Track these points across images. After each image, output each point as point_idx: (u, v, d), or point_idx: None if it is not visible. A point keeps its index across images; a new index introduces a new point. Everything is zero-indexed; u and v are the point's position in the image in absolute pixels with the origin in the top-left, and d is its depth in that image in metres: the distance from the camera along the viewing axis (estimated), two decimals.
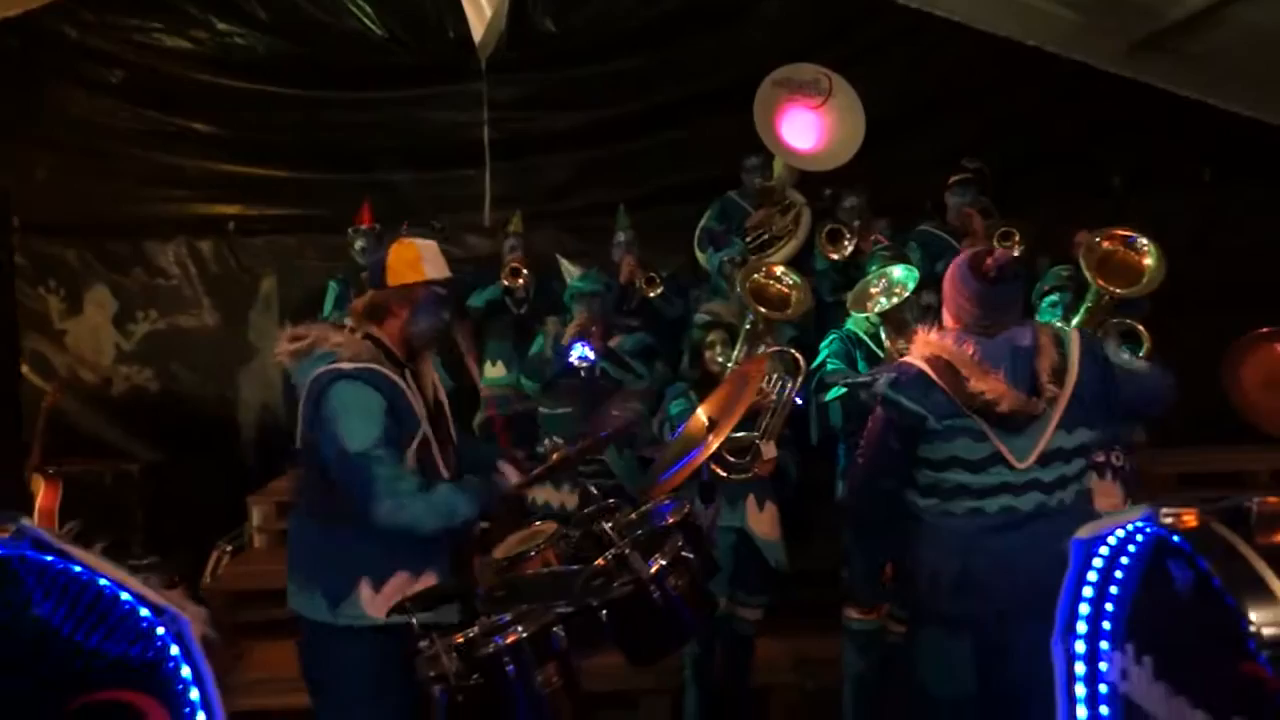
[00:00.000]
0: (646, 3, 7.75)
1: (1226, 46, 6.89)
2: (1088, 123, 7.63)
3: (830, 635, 5.45)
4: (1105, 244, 4.67)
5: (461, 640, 3.09)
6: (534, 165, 7.93)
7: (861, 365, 4.91)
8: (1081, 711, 2.40)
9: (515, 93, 7.86)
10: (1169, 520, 2.03)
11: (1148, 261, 4.59)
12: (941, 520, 3.39)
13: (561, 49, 7.79)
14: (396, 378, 3.44)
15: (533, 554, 3.78)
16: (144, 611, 2.30)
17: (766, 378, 4.67)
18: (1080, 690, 2.40)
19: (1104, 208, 7.15)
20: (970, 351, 3.28)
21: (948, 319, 3.48)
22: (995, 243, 6.19)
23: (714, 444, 3.51)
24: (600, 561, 3.42)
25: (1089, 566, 2.35)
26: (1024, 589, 3.13)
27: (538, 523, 4.02)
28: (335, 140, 7.95)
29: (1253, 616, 1.79)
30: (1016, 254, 5.86)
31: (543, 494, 5.67)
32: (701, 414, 3.69)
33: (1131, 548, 2.22)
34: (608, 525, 3.87)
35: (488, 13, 7.57)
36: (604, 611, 3.26)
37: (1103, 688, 2.36)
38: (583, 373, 5.57)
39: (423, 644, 3.16)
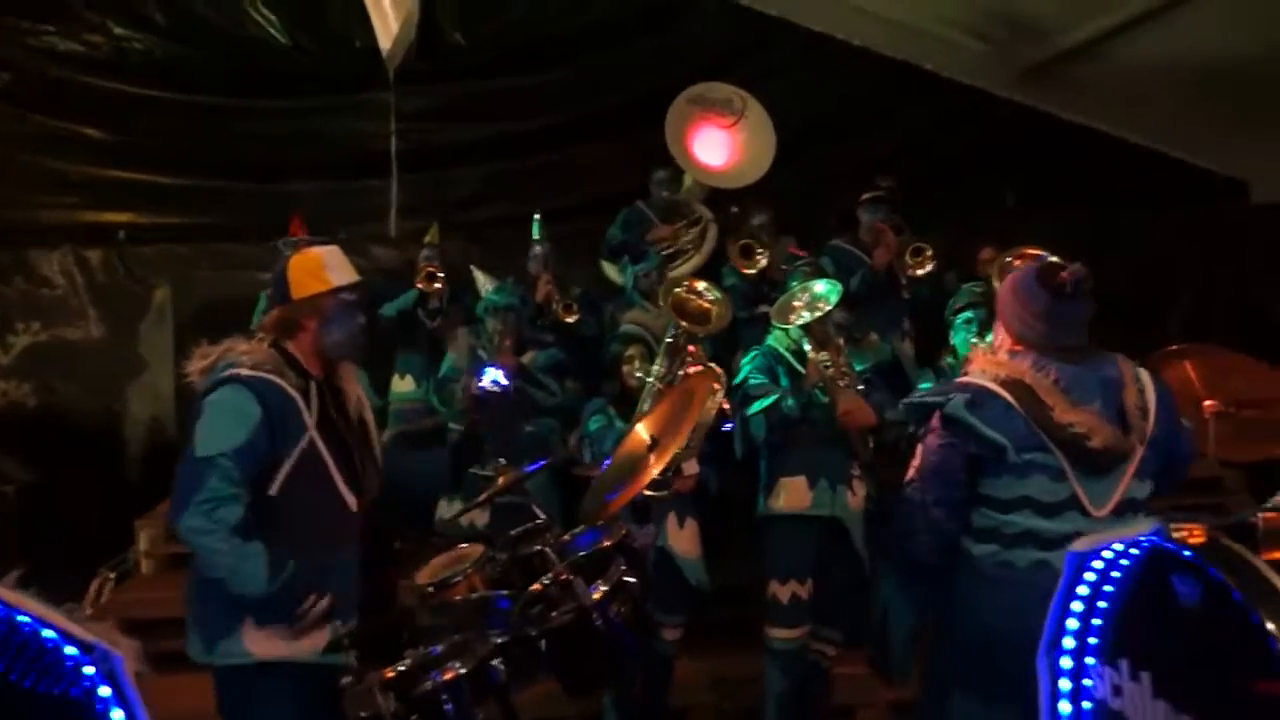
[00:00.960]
0: (558, 17, 7.77)
1: (1111, 75, 7.20)
2: (982, 144, 7.89)
3: (748, 654, 5.41)
4: (1017, 262, 4.82)
5: (393, 676, 2.99)
6: (442, 177, 7.87)
7: (783, 380, 4.95)
8: None
9: (423, 104, 7.80)
10: (1180, 534, 2.04)
11: None
12: (1000, 571, 2.97)
13: (471, 61, 7.77)
14: (293, 391, 3.25)
15: (459, 579, 3.70)
16: (69, 650, 2.12)
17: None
18: (1065, 707, 2.41)
19: (998, 226, 7.40)
20: (1054, 378, 2.94)
21: (1006, 338, 3.15)
22: (908, 258, 6.37)
23: (659, 464, 3.34)
24: (537, 587, 3.37)
25: (1080, 580, 2.35)
26: None
27: (463, 545, 3.95)
28: (235, 148, 7.78)
29: (1277, 631, 1.80)
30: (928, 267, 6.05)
31: (450, 508, 5.62)
32: (643, 432, 3.52)
33: (1125, 562, 2.25)
34: (539, 548, 3.85)
35: (394, 24, 7.51)
36: (543, 641, 3.20)
37: (1086, 704, 2.38)
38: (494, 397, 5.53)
39: (345, 680, 3.07)
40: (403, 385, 6.76)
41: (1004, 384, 2.97)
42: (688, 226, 7.02)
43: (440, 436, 5.97)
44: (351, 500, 3.40)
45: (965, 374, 3.16)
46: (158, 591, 5.72)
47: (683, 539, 4.98)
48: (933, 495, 3.06)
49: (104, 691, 2.15)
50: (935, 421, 3.06)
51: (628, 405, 5.20)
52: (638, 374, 5.18)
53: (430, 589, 3.58)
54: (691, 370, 5.14)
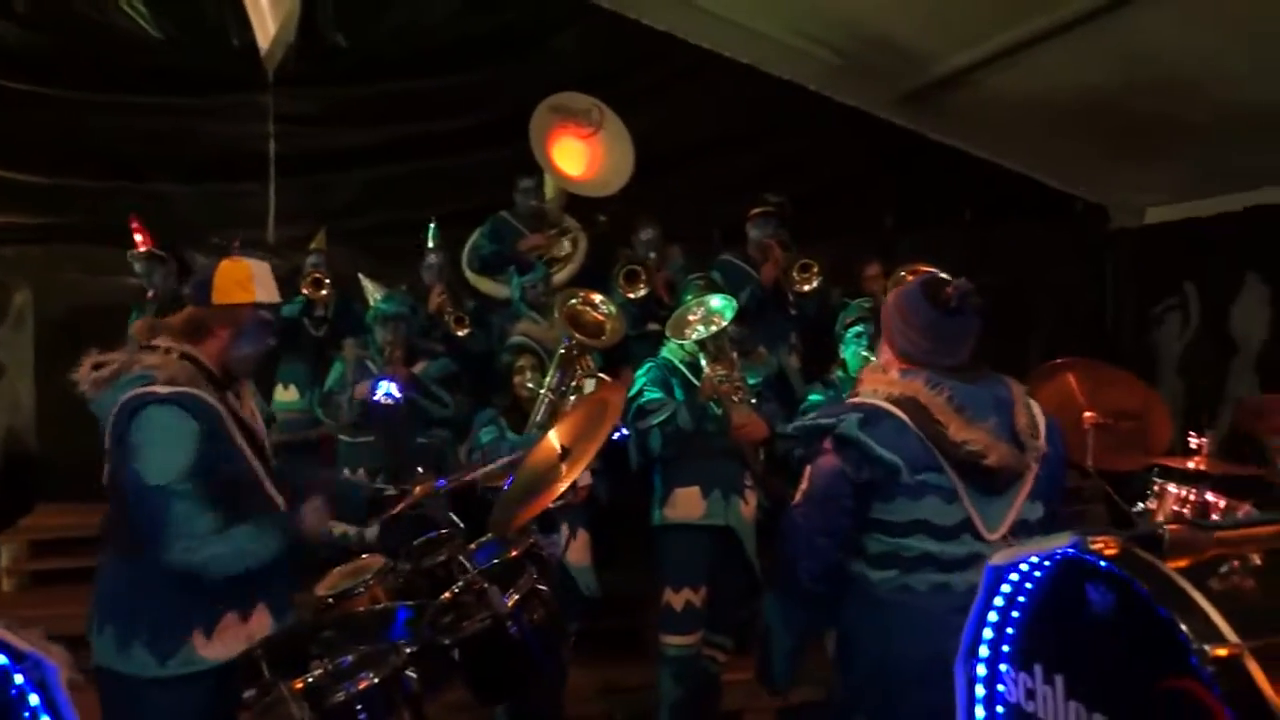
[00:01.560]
0: (442, 25, 7.64)
1: (981, 102, 7.46)
2: (863, 164, 8.06)
3: (637, 663, 5.55)
4: (910, 278, 4.95)
5: (303, 686, 2.95)
6: (322, 182, 7.68)
7: (678, 393, 5.03)
8: None
9: (303, 107, 7.60)
10: (1096, 546, 2.15)
11: None
12: (901, 596, 2.87)
13: (353, 65, 7.58)
14: (216, 402, 3.20)
15: (360, 590, 3.66)
16: (0, 659, 2.08)
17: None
18: (980, 712, 2.51)
19: (876, 244, 7.62)
20: (948, 395, 2.86)
21: (889, 356, 3.08)
22: (795, 274, 6.48)
23: (571, 474, 3.33)
24: (448, 595, 3.35)
25: (997, 591, 2.45)
26: None
27: (364, 556, 3.90)
28: (102, 146, 7.42)
29: (1191, 633, 1.93)
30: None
31: (340, 524, 5.52)
32: (554, 441, 3.52)
33: (1038, 574, 2.36)
34: (445, 558, 3.81)
35: (272, 24, 7.33)
36: (456, 650, 3.18)
37: (999, 709, 2.49)
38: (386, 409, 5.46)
39: (248, 694, 3.01)
40: (286, 395, 6.62)
41: (896, 402, 2.88)
42: (559, 235, 7.05)
43: (330, 449, 5.86)
44: (281, 503, 3.39)
45: (855, 393, 3.08)
46: (21, 610, 5.46)
47: (575, 549, 4.99)
48: (818, 522, 2.94)
49: (33, 700, 2.12)
50: (827, 444, 2.94)
51: (519, 416, 5.21)
52: (529, 385, 5.20)
53: (330, 600, 3.53)
54: (583, 381, 5.18)
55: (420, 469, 3.97)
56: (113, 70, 7.41)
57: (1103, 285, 8.68)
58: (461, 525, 3.88)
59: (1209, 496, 4.23)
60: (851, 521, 2.91)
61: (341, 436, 5.73)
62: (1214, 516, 4.14)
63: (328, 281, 6.57)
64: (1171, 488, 4.42)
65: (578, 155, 7.16)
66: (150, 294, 6.61)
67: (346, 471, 5.68)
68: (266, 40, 7.30)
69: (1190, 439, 4.43)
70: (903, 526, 2.86)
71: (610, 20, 7.59)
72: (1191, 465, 4.42)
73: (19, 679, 2.13)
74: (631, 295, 6.52)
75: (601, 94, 7.28)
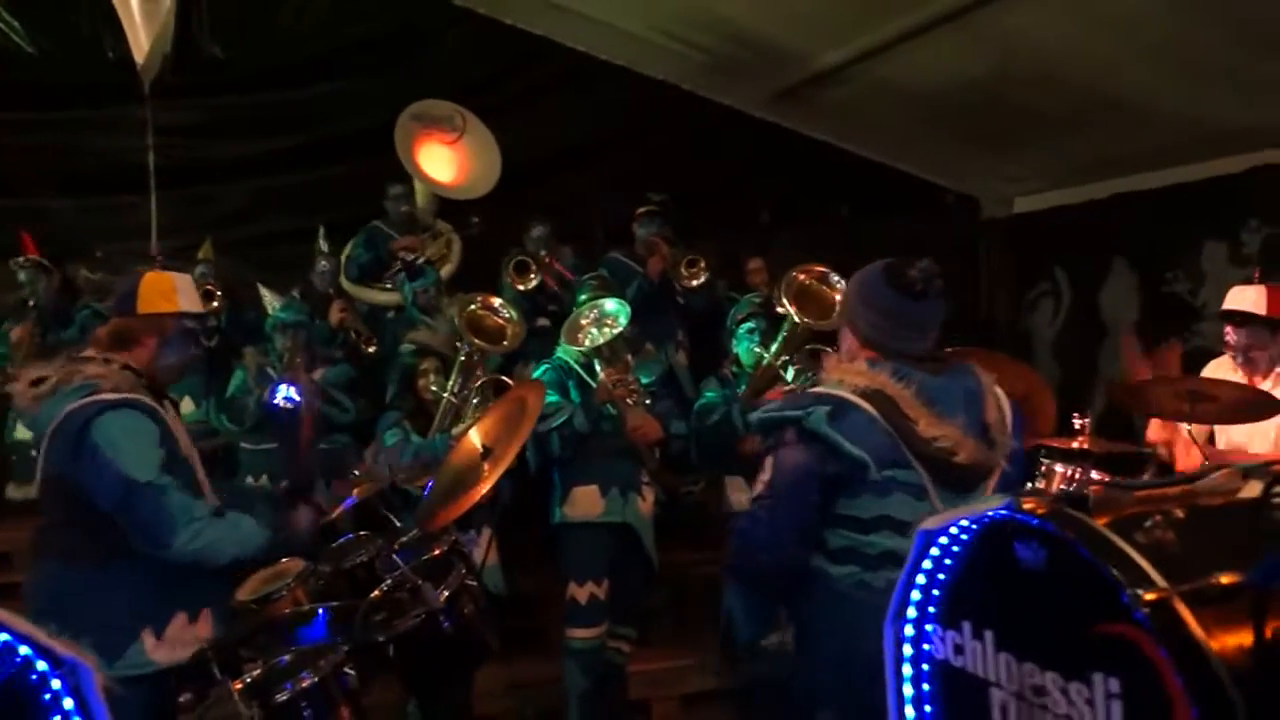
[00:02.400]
0: (319, 34, 7.63)
1: (855, 99, 7.70)
2: (740, 161, 8.24)
3: (542, 659, 5.65)
4: (802, 277, 5.14)
5: (241, 687, 3.04)
6: (205, 193, 7.66)
7: (574, 394, 5.12)
8: (908, 689, 2.66)
9: (182, 118, 7.55)
10: (1029, 506, 2.28)
11: (838, 296, 5.02)
12: (858, 593, 2.78)
13: (231, 76, 7.56)
14: (159, 408, 3.32)
15: (282, 593, 3.74)
16: (40, 665, 2.18)
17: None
18: (907, 670, 2.66)
19: (755, 240, 7.86)
20: (915, 389, 2.76)
21: (853, 343, 2.97)
22: (682, 269, 6.64)
23: (495, 473, 3.46)
24: (377, 594, 3.46)
25: (925, 555, 2.59)
26: None
27: (283, 559, 3.97)
28: None
29: (1124, 579, 2.06)
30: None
31: None
32: (476, 441, 3.65)
33: (965, 537, 2.52)
34: (364, 559, 3.91)
35: (144, 37, 7.25)
36: (390, 646, 3.30)
37: (925, 666, 2.64)
38: (286, 411, 5.47)
39: (184, 697, 3.08)
40: (184, 408, 6.53)
41: (864, 395, 2.77)
42: (431, 238, 7.13)
43: (229, 457, 5.84)
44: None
45: (819, 383, 2.96)
46: None
47: (481, 548, 5.07)
48: (784, 517, 2.83)
49: (67, 704, 2.21)
50: (789, 435, 2.82)
51: (423, 419, 5.28)
52: (433, 388, 5.26)
53: (253, 605, 3.60)
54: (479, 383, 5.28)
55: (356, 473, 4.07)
56: None
57: (977, 274, 9.00)
58: (399, 525, 3.97)
59: (1093, 474, 4.37)
60: (816, 517, 2.82)
61: (243, 444, 5.74)
62: None
63: (218, 293, 6.55)
64: (1058, 467, 4.55)
65: (445, 161, 7.26)
66: (30, 303, 6.53)
67: (250, 479, 5.69)
68: (142, 53, 7.20)
69: (1074, 419, 4.61)
70: (868, 523, 2.79)
71: (485, 25, 7.61)
72: (1075, 445, 4.55)
73: (56, 684, 2.22)
74: (521, 287, 6.63)
75: (479, 99, 7.41)
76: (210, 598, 3.39)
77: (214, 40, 7.50)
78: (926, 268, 2.86)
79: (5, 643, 2.20)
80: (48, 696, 2.23)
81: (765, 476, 2.89)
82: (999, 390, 2.94)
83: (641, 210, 6.95)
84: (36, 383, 3.25)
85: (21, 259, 6.73)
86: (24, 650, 2.21)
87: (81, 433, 3.13)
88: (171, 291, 3.42)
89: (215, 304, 6.57)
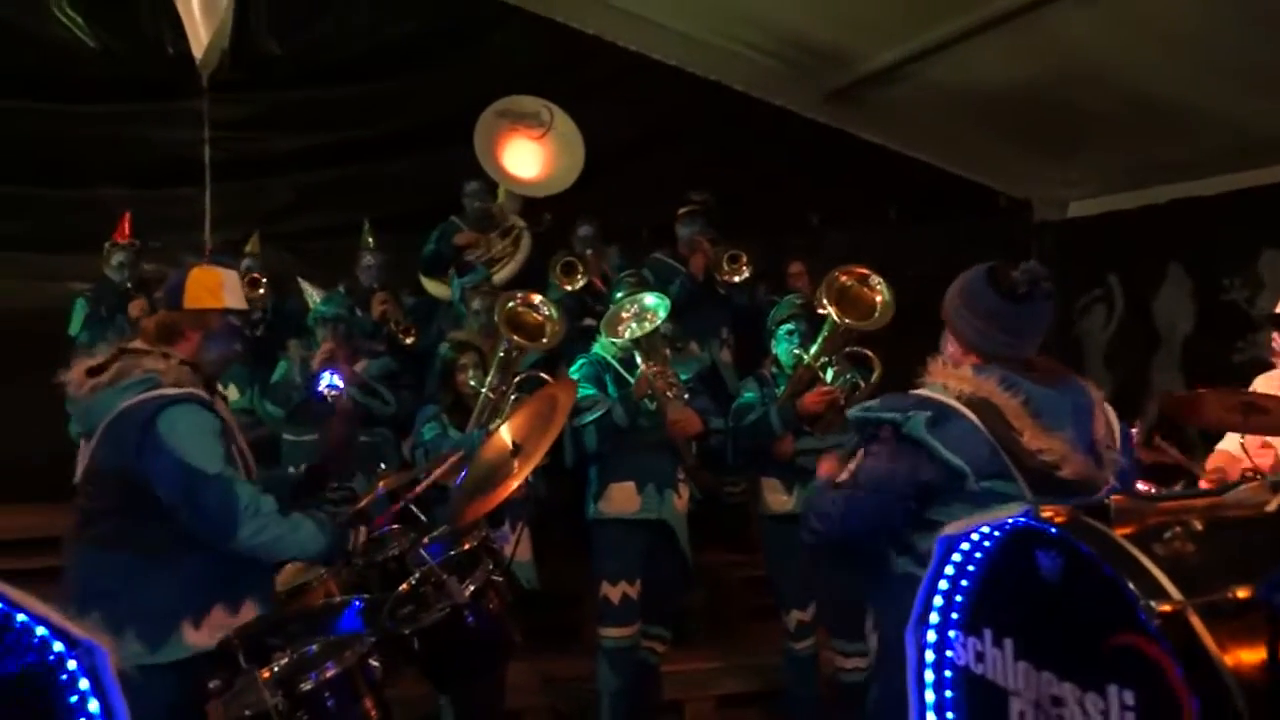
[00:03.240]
0: (373, 29, 7.72)
1: (907, 100, 7.66)
2: (789, 162, 8.18)
3: (577, 655, 5.64)
4: (844, 279, 5.10)
5: (269, 675, 3.08)
6: (258, 187, 7.74)
7: (611, 389, 5.13)
8: (930, 695, 2.65)
9: (238, 112, 7.65)
10: (1048, 514, 2.26)
11: (879, 298, 5.01)
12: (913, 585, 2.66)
13: (287, 71, 7.65)
14: (214, 402, 3.40)
15: (314, 584, 3.80)
16: (57, 646, 2.22)
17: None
18: (929, 676, 2.65)
19: (803, 242, 7.82)
20: (1023, 399, 2.69)
21: (956, 349, 2.90)
22: (724, 264, 6.63)
23: (525, 469, 3.47)
24: (405, 587, 3.49)
25: (948, 561, 2.58)
26: None
27: None
28: (41, 154, 7.43)
29: (1138, 590, 2.05)
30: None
31: None
32: (506, 437, 3.65)
33: (988, 544, 2.50)
34: (395, 553, 3.94)
35: (204, 32, 7.38)
36: (415, 640, 3.32)
37: (948, 673, 2.62)
38: (330, 400, 5.54)
39: (213, 683, 3.13)
40: (228, 395, 6.62)
41: (968, 402, 2.70)
42: (500, 236, 7.15)
43: (271, 448, 5.91)
44: None
45: (922, 385, 2.85)
46: None
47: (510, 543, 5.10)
48: (856, 516, 2.82)
49: (83, 684, 2.23)
50: (886, 434, 2.79)
51: (462, 414, 5.32)
52: (471, 382, 5.30)
53: (285, 595, 3.66)
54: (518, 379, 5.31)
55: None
56: (50, 79, 7.44)
57: None
58: (425, 520, 4.00)
59: (1139, 485, 4.35)
60: (893, 524, 2.80)
61: (285, 435, 5.80)
62: None
63: (264, 281, 6.63)
64: None
65: (532, 157, 7.29)
66: (129, 286, 6.64)
67: (291, 470, 5.74)
68: (200, 48, 7.35)
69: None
70: None
71: (536, 23, 7.70)
72: None
73: (72, 664, 2.24)
74: (569, 287, 6.64)
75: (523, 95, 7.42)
76: (252, 590, 3.41)
77: (270, 36, 7.61)
78: (1032, 269, 2.77)
79: (22, 624, 2.23)
80: (64, 677, 2.26)
81: (852, 466, 2.86)
82: (1108, 407, 2.88)
83: (683, 210, 6.94)
84: (94, 372, 3.30)
85: (114, 243, 6.83)
86: (40, 631, 2.25)
87: (147, 426, 3.18)
88: (218, 288, 3.46)
89: (261, 290, 6.63)
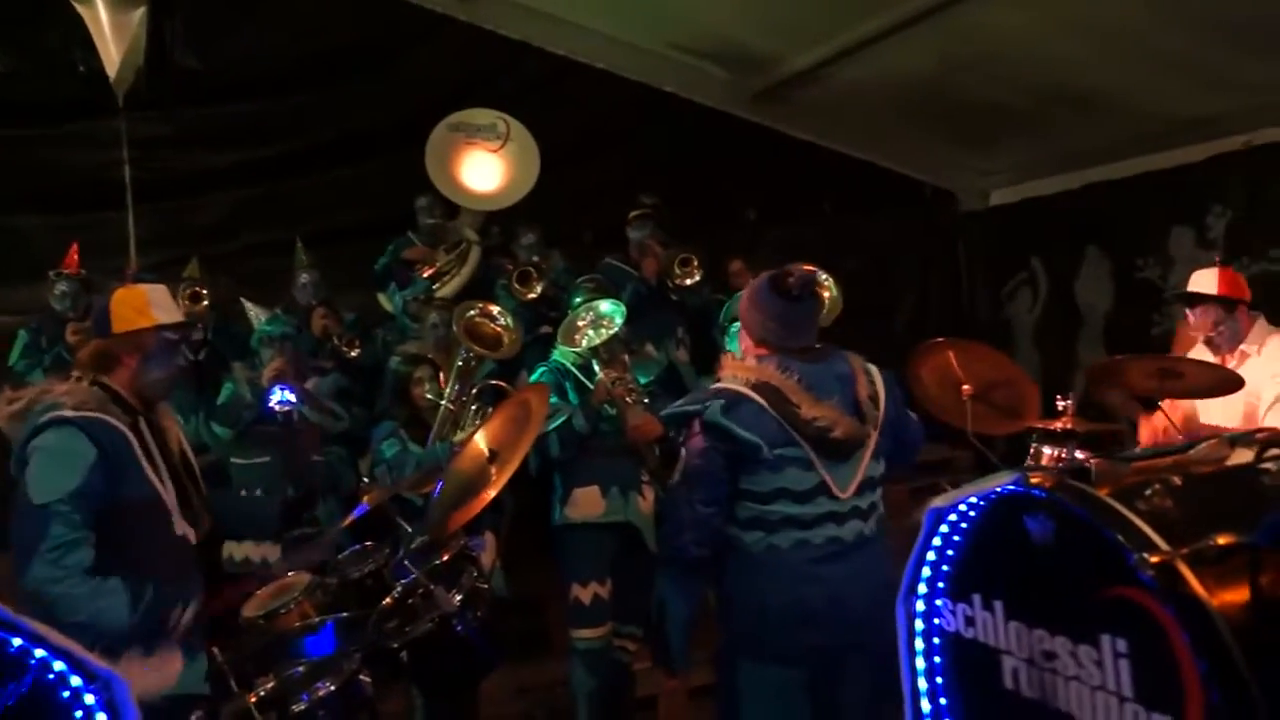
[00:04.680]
0: (295, 42, 7.53)
1: (833, 98, 7.76)
2: (724, 162, 8.22)
3: (548, 661, 5.64)
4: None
5: (258, 700, 3.01)
6: (183, 207, 7.51)
7: (572, 396, 5.11)
8: (920, 662, 2.72)
9: (159, 131, 7.41)
10: (1036, 480, 2.42)
11: (826, 294, 5.09)
12: (767, 555, 3.26)
13: (208, 87, 7.44)
14: (124, 428, 3.21)
15: (289, 607, 3.71)
16: (74, 680, 2.14)
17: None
18: (919, 644, 2.73)
19: (741, 239, 7.89)
20: (797, 378, 3.22)
21: (748, 343, 3.45)
22: (676, 268, 6.62)
23: (503, 476, 3.46)
24: (389, 601, 3.43)
25: (935, 532, 2.67)
26: (854, 617, 3.18)
27: (290, 574, 3.93)
28: None
29: (1129, 544, 2.19)
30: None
31: (240, 549, 5.47)
32: (481, 444, 3.65)
33: (973, 513, 2.58)
34: (371, 568, 3.88)
35: (115, 50, 7.15)
36: (404, 652, 3.27)
37: (936, 640, 2.71)
38: (281, 417, 5.40)
39: (196, 715, 3.04)
40: None
41: (754, 387, 3.23)
42: (447, 250, 7.07)
43: (218, 472, 5.74)
44: (190, 534, 3.37)
45: (717, 380, 3.41)
46: None
47: (488, 551, 5.04)
48: (699, 495, 3.27)
49: (101, 719, 2.23)
50: (695, 427, 3.31)
51: (419, 428, 5.26)
52: (429, 395, 5.25)
53: (260, 620, 3.57)
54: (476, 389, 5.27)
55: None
56: None
57: (956, 265, 9.08)
58: (410, 529, 3.94)
59: (1078, 454, 4.50)
60: (727, 491, 3.26)
61: (233, 459, 5.62)
62: None
63: (205, 292, 6.46)
64: (1046, 449, 4.67)
65: (491, 170, 7.20)
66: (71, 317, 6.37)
67: (243, 494, 5.60)
68: (114, 66, 7.11)
69: (1057, 402, 4.68)
70: (766, 495, 3.24)
71: (464, 32, 7.60)
72: (1059, 426, 4.66)
73: (90, 699, 2.23)
74: (529, 296, 6.58)
75: (458, 106, 7.31)
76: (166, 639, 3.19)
77: (188, 52, 7.39)
78: (802, 275, 3.34)
79: (40, 658, 2.17)
80: (80, 713, 2.21)
81: (680, 466, 3.37)
82: (872, 369, 3.43)
83: (634, 214, 6.93)
84: (12, 401, 3.21)
85: (59, 272, 6.57)
86: (59, 666, 2.18)
87: (24, 446, 3.11)
88: (145, 306, 3.34)
89: (204, 304, 6.47)
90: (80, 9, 6.88)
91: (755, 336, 3.41)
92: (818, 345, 3.41)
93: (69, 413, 3.11)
